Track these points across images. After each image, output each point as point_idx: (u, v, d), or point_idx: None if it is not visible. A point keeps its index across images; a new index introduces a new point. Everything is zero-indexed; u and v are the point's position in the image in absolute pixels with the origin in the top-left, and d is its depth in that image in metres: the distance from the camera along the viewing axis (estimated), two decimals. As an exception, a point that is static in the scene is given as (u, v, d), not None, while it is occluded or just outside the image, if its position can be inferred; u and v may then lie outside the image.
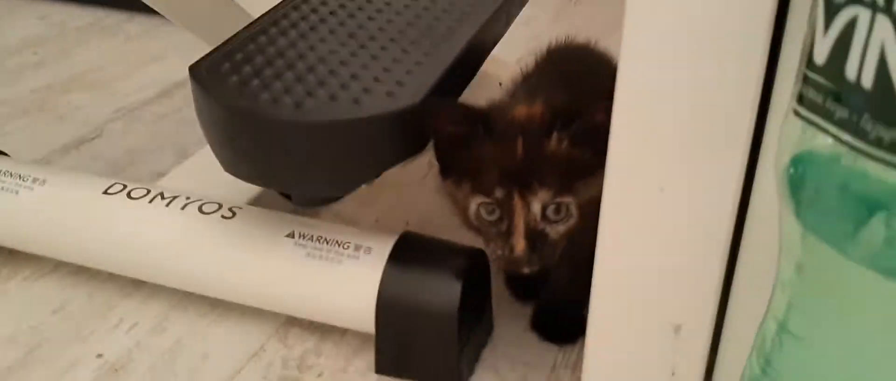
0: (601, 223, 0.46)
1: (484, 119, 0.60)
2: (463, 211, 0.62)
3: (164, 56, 1.38)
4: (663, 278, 0.46)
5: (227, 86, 0.63)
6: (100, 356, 0.73)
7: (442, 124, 0.61)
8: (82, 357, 0.72)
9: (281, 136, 0.60)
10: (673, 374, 0.49)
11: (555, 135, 0.59)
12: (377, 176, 0.65)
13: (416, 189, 0.99)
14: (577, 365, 0.72)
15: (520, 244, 0.58)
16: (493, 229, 0.60)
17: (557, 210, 0.59)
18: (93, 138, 1.11)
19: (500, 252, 0.60)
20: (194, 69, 0.65)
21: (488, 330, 0.76)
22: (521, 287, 0.80)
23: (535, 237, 0.58)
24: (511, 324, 0.77)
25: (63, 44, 1.43)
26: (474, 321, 0.72)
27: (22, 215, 0.79)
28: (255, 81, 0.63)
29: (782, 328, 0.38)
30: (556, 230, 0.59)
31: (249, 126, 0.61)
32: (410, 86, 0.64)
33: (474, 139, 0.60)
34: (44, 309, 0.78)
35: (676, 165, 0.43)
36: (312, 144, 0.61)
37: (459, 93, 0.71)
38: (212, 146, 0.66)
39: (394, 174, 0.99)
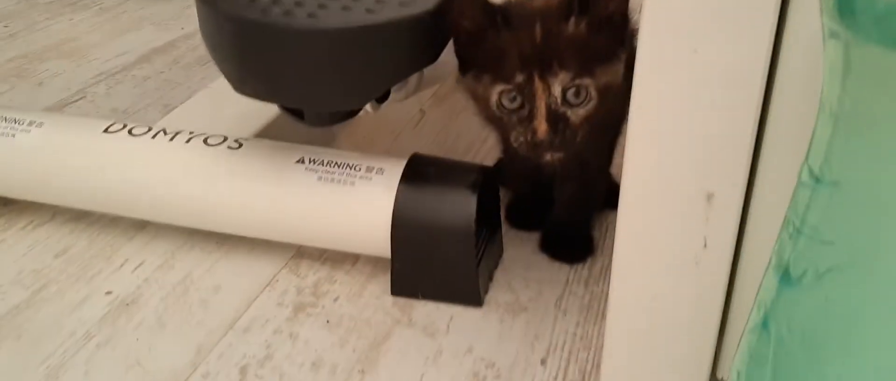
0: (635, 89, 0.46)
1: (503, 12, 0.61)
2: (484, 103, 0.63)
3: (139, 27, 1.37)
4: (696, 143, 0.47)
5: (237, 1, 0.62)
6: (109, 293, 0.72)
7: (462, 20, 0.62)
8: (91, 294, 0.71)
9: (296, 45, 0.60)
10: (705, 245, 0.50)
11: (572, 19, 0.59)
12: (391, 84, 0.65)
13: (410, 136, 0.99)
14: (588, 280, 0.73)
15: (542, 127, 0.59)
16: (515, 116, 0.61)
17: (577, 93, 0.59)
18: (76, 100, 1.09)
19: (522, 138, 0.61)
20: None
21: (500, 252, 0.76)
22: (522, 217, 0.81)
23: (557, 120, 0.59)
24: (520, 248, 0.78)
25: (34, 17, 1.40)
26: (488, 239, 0.73)
27: (20, 160, 0.77)
28: (265, -3, 0.63)
29: (819, 180, 0.39)
30: (576, 114, 0.60)
31: (264, 37, 0.60)
32: (421, -3, 0.64)
33: (494, 32, 0.60)
34: (46, 254, 0.77)
35: (709, 26, 0.44)
36: (327, 52, 0.61)
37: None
38: (221, 66, 0.65)
39: (388, 122, 1.00)
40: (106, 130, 0.76)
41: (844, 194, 0.38)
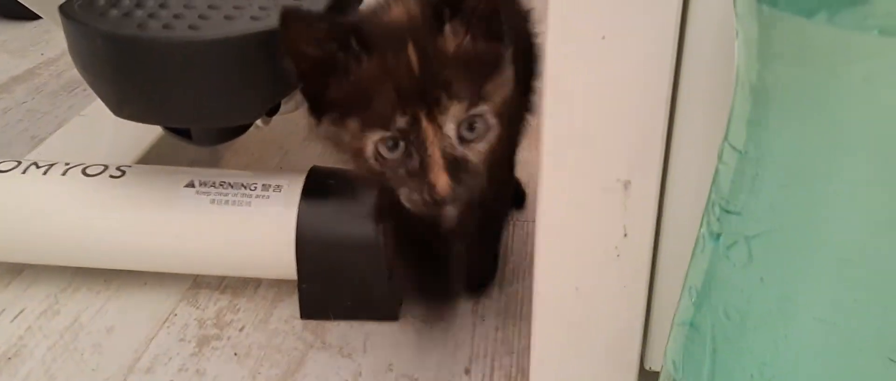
0: (545, 77, 0.45)
1: (356, 30, 0.48)
2: (355, 155, 0.49)
3: (-10, 55, 1.27)
4: (609, 131, 0.46)
5: (109, 18, 0.58)
6: None
7: (301, 44, 0.47)
8: None
9: (179, 60, 0.56)
10: (625, 234, 0.49)
11: (447, 27, 0.48)
12: (283, 95, 0.61)
13: (299, 149, 0.95)
14: (502, 282, 0.72)
15: (441, 179, 0.47)
16: (401, 168, 0.48)
17: (472, 126, 0.48)
18: (-71, 140, 0.99)
19: (416, 196, 0.48)
20: (66, 8, 0.59)
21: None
22: (441, 281, 0.69)
23: (457, 166, 0.48)
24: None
25: None
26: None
27: None
28: (139, 11, 0.58)
29: (743, 155, 0.38)
30: (476, 151, 0.49)
31: (143, 54, 0.56)
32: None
33: (351, 60, 0.48)
34: None
35: (617, 12, 0.43)
36: (213, 64, 0.57)
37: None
38: (96, 89, 0.60)
39: (275, 136, 0.95)
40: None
41: (768, 168, 0.37)
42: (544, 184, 0.48)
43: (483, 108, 0.48)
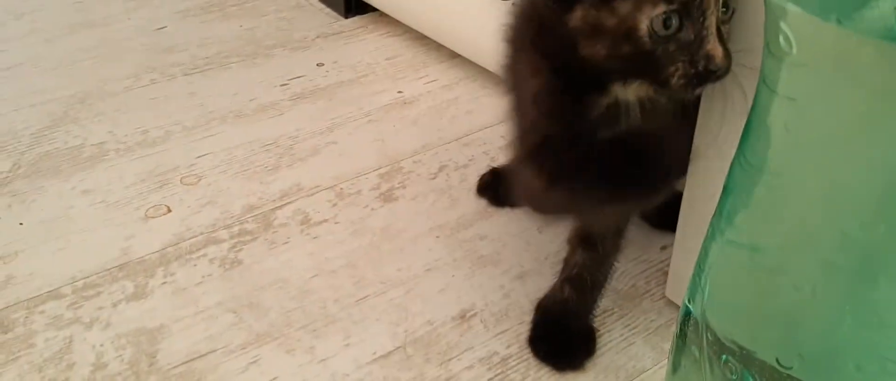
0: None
1: None
2: (620, 38, 0.47)
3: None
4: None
5: None
6: (400, 92, 0.94)
7: None
8: (388, 90, 0.94)
9: None
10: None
11: None
12: None
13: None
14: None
15: (719, 49, 0.46)
16: (672, 44, 0.46)
17: (726, 3, 0.47)
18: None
19: (691, 70, 0.46)
20: None
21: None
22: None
23: (724, 41, 0.47)
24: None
25: None
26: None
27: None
28: None
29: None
30: (727, 33, 0.47)
31: None
32: None
33: None
34: (382, 55, 1.02)
35: None
36: None
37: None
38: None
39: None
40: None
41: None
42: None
43: None
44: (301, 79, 0.96)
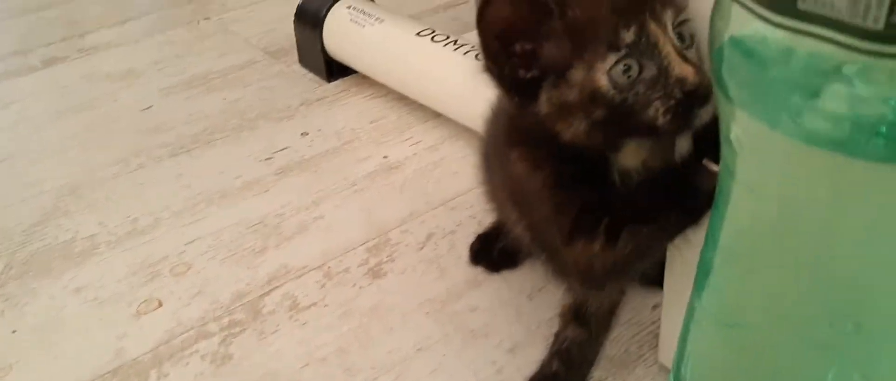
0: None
1: None
2: (588, 103, 0.46)
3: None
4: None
5: None
6: (385, 157, 0.94)
7: (505, 22, 0.46)
8: (373, 156, 0.95)
9: None
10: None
11: None
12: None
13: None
14: None
15: (685, 67, 0.44)
16: (640, 86, 0.45)
17: (682, 34, 0.46)
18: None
19: (671, 102, 0.45)
20: None
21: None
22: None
23: (688, 59, 0.45)
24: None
25: None
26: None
27: (367, 44, 1.03)
28: None
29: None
30: (692, 56, 0.46)
31: None
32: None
33: (555, 7, 0.45)
34: (366, 118, 1.02)
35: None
36: None
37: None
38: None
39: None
40: (417, 34, 0.97)
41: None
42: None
43: (685, 13, 0.46)
44: (286, 151, 0.97)
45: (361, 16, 1.03)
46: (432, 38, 0.95)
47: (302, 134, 1.00)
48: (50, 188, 0.93)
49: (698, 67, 0.44)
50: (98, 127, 1.06)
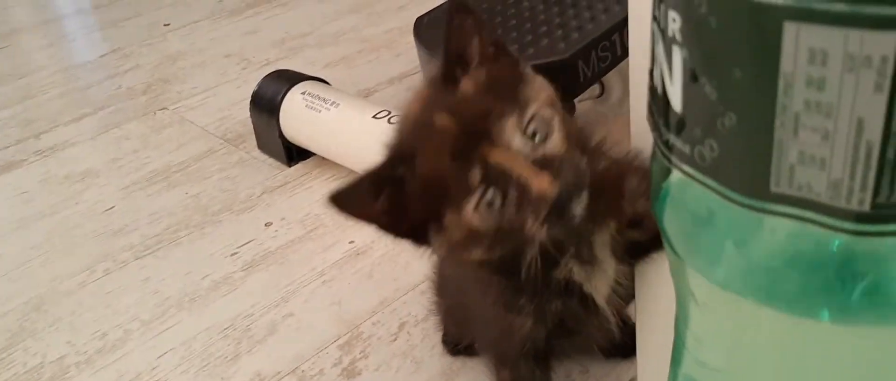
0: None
1: (396, 157, 0.48)
2: (473, 240, 0.47)
3: None
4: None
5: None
6: (351, 242, 0.94)
7: (367, 206, 0.48)
8: (339, 241, 0.95)
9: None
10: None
11: (463, 81, 0.47)
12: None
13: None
14: None
15: (538, 179, 0.44)
16: (509, 209, 0.45)
17: (533, 132, 0.45)
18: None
19: (537, 216, 0.45)
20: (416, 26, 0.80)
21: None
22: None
23: (547, 164, 0.45)
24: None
25: None
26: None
27: (323, 129, 1.03)
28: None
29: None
30: (555, 145, 0.46)
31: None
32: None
33: (403, 169, 0.47)
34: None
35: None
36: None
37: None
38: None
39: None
40: (374, 116, 0.97)
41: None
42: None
43: (532, 108, 0.46)
44: (251, 244, 0.97)
45: (317, 101, 1.03)
46: (389, 120, 0.96)
47: (266, 224, 1.00)
48: (14, 307, 0.92)
49: (548, 170, 0.44)
50: (60, 234, 1.04)
